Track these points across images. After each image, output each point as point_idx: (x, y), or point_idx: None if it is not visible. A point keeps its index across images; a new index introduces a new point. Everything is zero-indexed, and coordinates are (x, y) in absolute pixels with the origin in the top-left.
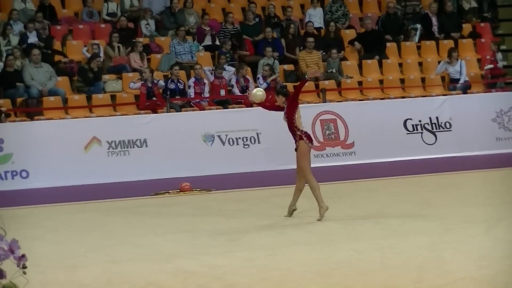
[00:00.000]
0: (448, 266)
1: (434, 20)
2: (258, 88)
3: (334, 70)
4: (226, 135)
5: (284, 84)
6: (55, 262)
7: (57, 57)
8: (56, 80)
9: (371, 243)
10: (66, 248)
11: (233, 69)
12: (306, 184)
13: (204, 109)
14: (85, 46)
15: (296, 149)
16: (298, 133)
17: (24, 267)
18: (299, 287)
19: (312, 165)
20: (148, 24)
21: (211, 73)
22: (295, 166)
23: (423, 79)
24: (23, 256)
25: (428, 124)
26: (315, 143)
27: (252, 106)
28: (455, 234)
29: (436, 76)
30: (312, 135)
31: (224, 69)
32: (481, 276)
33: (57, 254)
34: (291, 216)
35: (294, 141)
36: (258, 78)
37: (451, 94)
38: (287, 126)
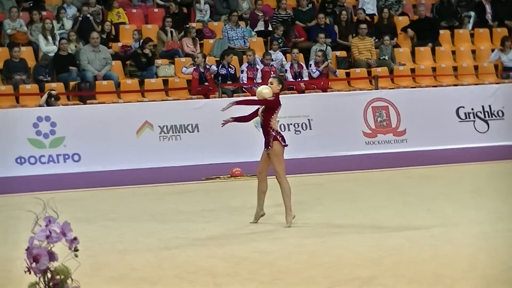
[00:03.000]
0: (499, 255)
1: (488, 8)
2: (264, 86)
3: (386, 57)
4: (278, 121)
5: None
6: (107, 246)
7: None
8: (111, 66)
9: (422, 231)
10: (117, 232)
11: (281, 56)
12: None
13: (255, 94)
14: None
15: (267, 150)
16: (273, 133)
17: (76, 250)
18: (350, 274)
19: (364, 152)
20: (201, 9)
21: (260, 60)
22: (344, 153)
23: (476, 67)
24: (75, 239)
25: (480, 112)
26: (366, 130)
27: (304, 92)
28: (507, 223)
29: (489, 64)
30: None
31: (271, 56)
32: None
33: (109, 238)
34: (257, 223)
35: (267, 141)
36: (311, 64)
37: (504, 83)
38: (260, 123)
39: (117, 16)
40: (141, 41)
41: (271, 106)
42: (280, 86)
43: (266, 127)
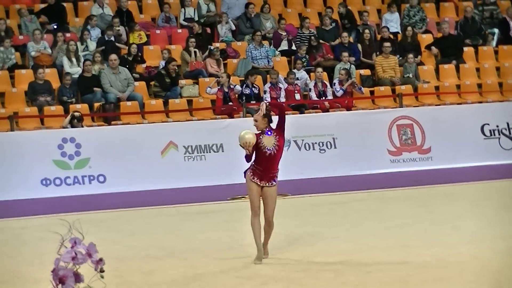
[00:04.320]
0: None
1: (511, 24)
2: (247, 131)
3: (411, 75)
4: (302, 140)
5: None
6: (133, 266)
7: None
8: (134, 87)
9: (448, 249)
10: (143, 252)
11: (305, 75)
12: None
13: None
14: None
15: (268, 185)
16: (277, 173)
17: (102, 271)
18: None
19: (389, 170)
20: (226, 29)
21: (284, 80)
22: (369, 171)
23: (500, 84)
24: (101, 260)
25: (505, 129)
26: (391, 148)
27: (329, 111)
28: None
29: None
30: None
31: (295, 75)
32: None
33: (135, 258)
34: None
35: (271, 176)
36: (334, 83)
37: None
38: (269, 157)
39: (138, 38)
40: (165, 61)
41: (283, 138)
42: (266, 119)
43: (277, 160)
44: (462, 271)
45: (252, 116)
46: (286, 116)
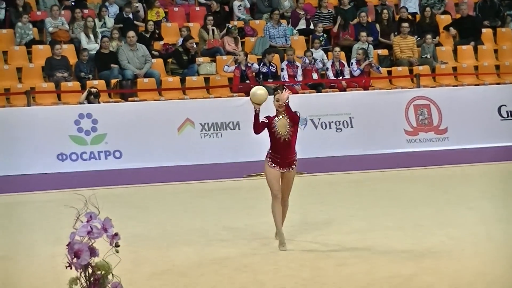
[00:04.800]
0: None
1: None
2: (259, 87)
3: (428, 56)
4: (319, 119)
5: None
6: (148, 242)
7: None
8: (151, 64)
9: (463, 229)
10: (159, 228)
11: (321, 53)
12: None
13: (297, 93)
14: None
15: (287, 170)
16: (296, 152)
17: (117, 245)
18: (390, 271)
19: (405, 150)
20: (241, 6)
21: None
22: (385, 151)
23: None
24: (116, 234)
25: None
26: (408, 128)
27: (346, 90)
28: None
29: None
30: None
31: (312, 54)
32: None
33: (150, 234)
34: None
35: (290, 161)
36: (352, 63)
37: None
38: (284, 143)
39: (156, 15)
40: (183, 39)
41: (296, 121)
42: (286, 96)
43: (293, 145)
44: (476, 252)
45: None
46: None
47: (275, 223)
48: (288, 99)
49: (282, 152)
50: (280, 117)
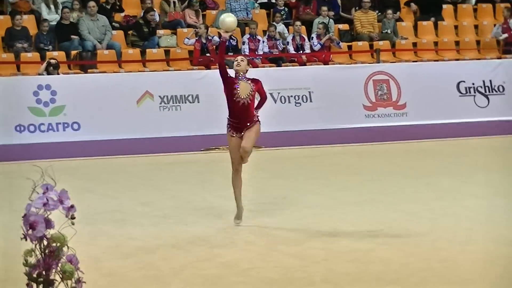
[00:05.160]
0: (498, 229)
1: None
2: (228, 14)
3: (389, 31)
4: (278, 93)
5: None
6: (105, 215)
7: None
8: (111, 35)
9: (421, 205)
10: (116, 201)
11: (282, 27)
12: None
13: (257, 66)
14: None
15: (248, 129)
16: (257, 114)
17: (73, 217)
18: (348, 246)
19: (364, 125)
20: None
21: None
22: (344, 126)
23: (478, 42)
24: (72, 206)
25: (481, 87)
26: (367, 103)
27: (306, 65)
28: (506, 198)
29: (491, 39)
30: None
31: (275, 28)
32: None
33: (107, 206)
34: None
35: (247, 123)
36: (312, 37)
37: (506, 58)
38: (242, 107)
39: None
40: (143, 10)
41: (259, 84)
42: (248, 67)
43: (251, 108)
44: (433, 227)
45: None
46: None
47: (234, 197)
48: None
49: (240, 117)
50: (241, 81)
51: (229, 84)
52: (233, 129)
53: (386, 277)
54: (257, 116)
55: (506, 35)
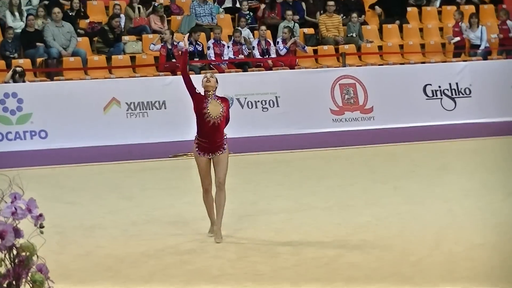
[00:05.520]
0: (466, 232)
1: None
2: None
3: (354, 35)
4: (245, 98)
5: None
6: (73, 223)
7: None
8: (76, 41)
9: (389, 209)
10: (84, 209)
11: (247, 31)
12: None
13: (223, 72)
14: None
15: (214, 155)
16: (225, 137)
17: (42, 226)
18: (317, 251)
19: (331, 129)
20: None
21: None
22: (312, 130)
23: (443, 45)
24: (41, 215)
25: (447, 90)
26: (334, 107)
27: (272, 69)
28: (474, 201)
29: (452, 43)
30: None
31: (240, 33)
32: (498, 242)
33: (76, 215)
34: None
35: (217, 146)
36: (278, 42)
37: (471, 60)
38: (212, 127)
39: None
40: (108, 17)
41: (228, 105)
42: (217, 84)
43: (222, 128)
44: (402, 231)
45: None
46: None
47: (208, 216)
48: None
49: (210, 137)
50: (211, 100)
51: (198, 102)
52: (201, 149)
53: (356, 282)
54: (226, 136)
55: (458, 38)
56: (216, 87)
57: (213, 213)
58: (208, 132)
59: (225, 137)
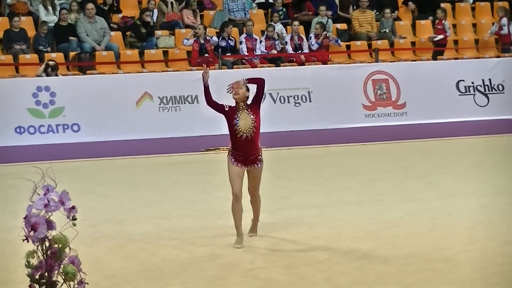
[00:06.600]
0: (498, 228)
1: None
2: None
3: (387, 30)
4: (278, 93)
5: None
6: (106, 216)
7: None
8: (110, 37)
9: (421, 204)
10: (117, 202)
11: (280, 27)
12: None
13: (256, 67)
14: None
15: (250, 167)
16: (261, 148)
17: (74, 219)
18: (349, 246)
19: (363, 125)
20: None
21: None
22: (344, 125)
23: (476, 41)
24: (73, 208)
25: (480, 86)
26: (366, 102)
27: (304, 64)
28: (506, 197)
29: (490, 38)
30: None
31: (273, 29)
32: None
33: (108, 208)
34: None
35: (253, 158)
36: (310, 37)
37: (505, 56)
38: (246, 141)
39: None
40: (140, 11)
41: (260, 99)
42: (247, 91)
43: (256, 141)
44: (435, 227)
45: (232, 86)
46: (264, 88)
47: (234, 224)
48: (244, 84)
49: (244, 150)
50: (241, 112)
51: (229, 118)
52: (237, 160)
53: (388, 277)
54: (261, 149)
55: (441, 36)
56: (247, 96)
57: (241, 224)
58: (241, 146)
59: (260, 149)
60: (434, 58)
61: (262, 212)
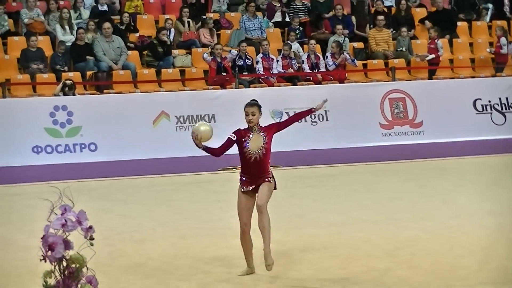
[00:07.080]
0: None
1: (506, 0)
2: (202, 122)
3: (404, 49)
4: (295, 112)
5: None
6: (124, 235)
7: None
8: (127, 56)
9: (438, 223)
10: (134, 221)
11: (297, 45)
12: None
13: (272, 85)
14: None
15: (265, 182)
16: (271, 170)
17: (92, 238)
18: (366, 265)
19: (380, 143)
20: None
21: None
22: (361, 144)
23: (493, 59)
24: (91, 227)
25: (497, 104)
26: (383, 121)
27: (321, 83)
28: None
29: (507, 55)
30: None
31: (290, 47)
32: None
33: (126, 227)
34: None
35: (262, 178)
36: (327, 56)
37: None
38: (254, 162)
39: (134, 8)
40: (156, 30)
41: (273, 132)
42: (261, 115)
43: (265, 163)
44: (451, 246)
45: (247, 112)
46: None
47: (245, 258)
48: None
49: (252, 172)
50: (254, 134)
51: (240, 142)
52: (244, 184)
53: None
54: (271, 172)
55: (432, 55)
56: (260, 117)
57: (250, 256)
58: (250, 168)
59: (270, 172)
60: (430, 77)
61: (277, 230)
